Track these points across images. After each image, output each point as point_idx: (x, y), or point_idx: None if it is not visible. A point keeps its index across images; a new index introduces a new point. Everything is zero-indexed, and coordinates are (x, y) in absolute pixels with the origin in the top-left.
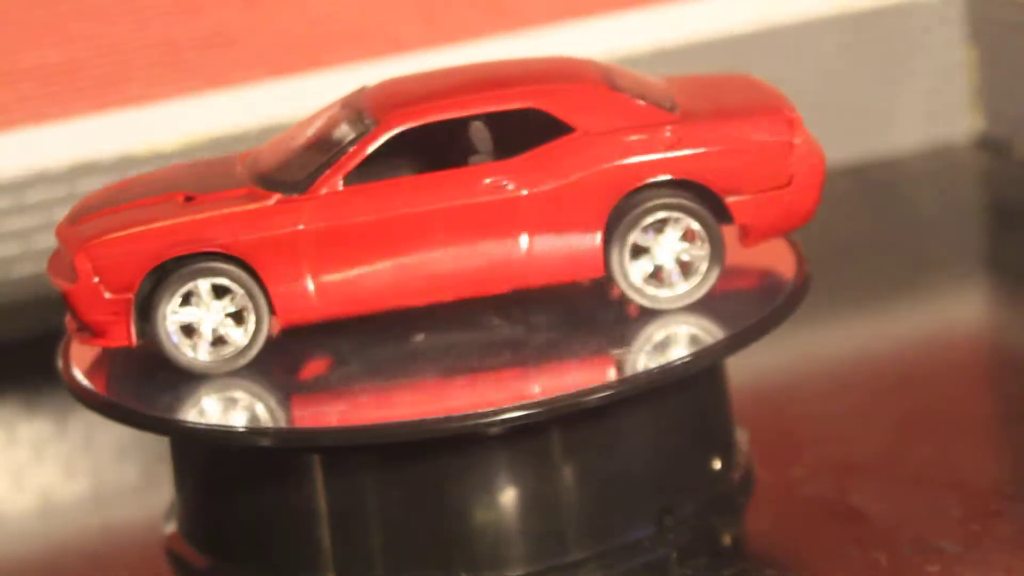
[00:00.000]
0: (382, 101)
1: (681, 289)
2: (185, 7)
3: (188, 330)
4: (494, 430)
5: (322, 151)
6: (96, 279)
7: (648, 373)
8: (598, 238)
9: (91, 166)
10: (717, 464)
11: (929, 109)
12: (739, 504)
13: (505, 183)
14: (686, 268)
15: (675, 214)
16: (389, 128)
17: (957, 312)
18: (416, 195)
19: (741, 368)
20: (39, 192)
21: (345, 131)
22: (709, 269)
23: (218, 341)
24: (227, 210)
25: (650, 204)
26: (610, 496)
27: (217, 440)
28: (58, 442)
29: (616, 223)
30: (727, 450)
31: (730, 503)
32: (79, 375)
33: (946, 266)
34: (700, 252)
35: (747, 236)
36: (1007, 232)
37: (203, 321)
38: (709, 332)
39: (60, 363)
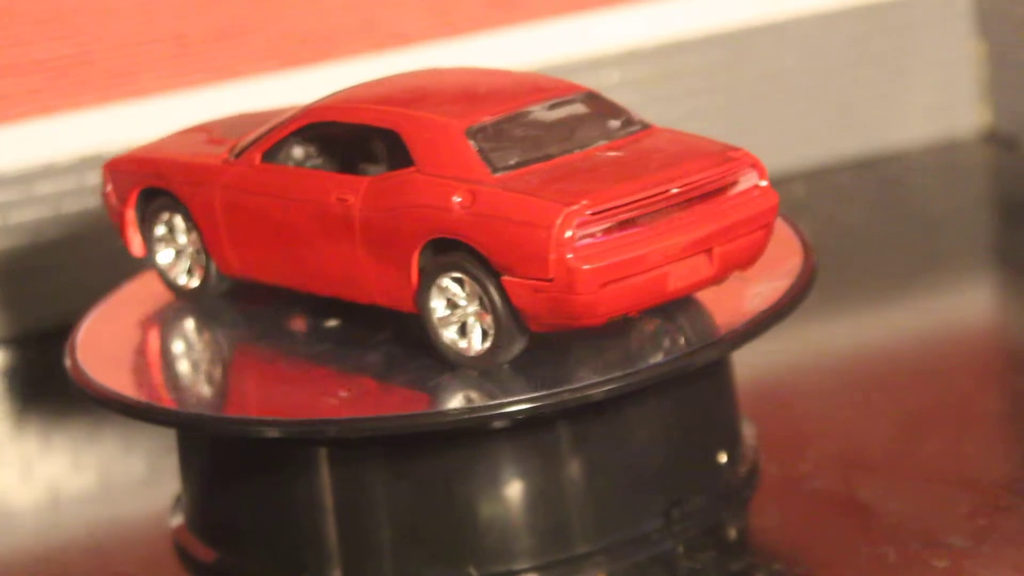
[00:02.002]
0: (336, 95)
1: (475, 350)
2: (195, 1)
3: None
4: (501, 423)
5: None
6: (109, 188)
7: (655, 366)
8: (414, 278)
9: (99, 158)
10: (724, 458)
11: (937, 103)
12: (746, 498)
13: (348, 198)
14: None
15: (462, 275)
16: (301, 120)
17: (964, 307)
18: (291, 186)
19: (748, 362)
20: (48, 184)
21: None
22: (498, 339)
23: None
24: (194, 158)
25: (443, 260)
26: (617, 490)
27: (224, 432)
28: (65, 435)
29: (424, 270)
30: (734, 444)
31: (737, 497)
32: (86, 368)
33: (954, 260)
34: (488, 320)
35: (526, 320)
36: (1015, 227)
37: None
38: (716, 325)
39: (67, 356)
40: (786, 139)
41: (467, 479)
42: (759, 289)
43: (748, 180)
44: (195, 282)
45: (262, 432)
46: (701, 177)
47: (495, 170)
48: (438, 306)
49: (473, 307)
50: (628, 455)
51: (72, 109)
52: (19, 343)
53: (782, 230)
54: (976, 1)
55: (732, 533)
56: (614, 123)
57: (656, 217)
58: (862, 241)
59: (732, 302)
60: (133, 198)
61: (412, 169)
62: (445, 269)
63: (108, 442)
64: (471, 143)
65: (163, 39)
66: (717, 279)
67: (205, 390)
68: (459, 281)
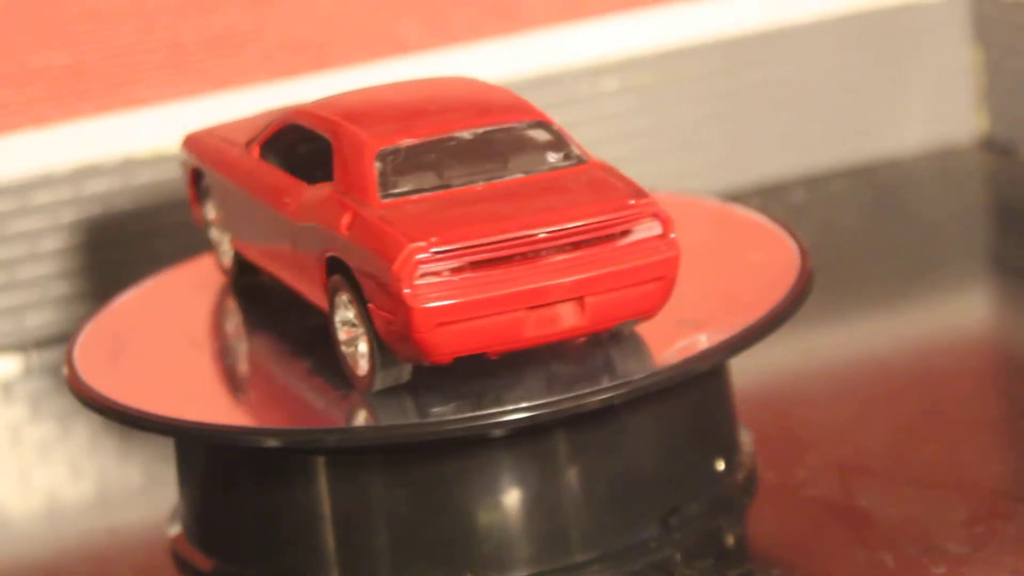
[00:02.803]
0: (329, 97)
1: (360, 372)
2: (191, 10)
3: None
4: (498, 432)
5: None
6: (183, 162)
7: (652, 374)
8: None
9: (95, 168)
10: (721, 465)
11: (934, 110)
12: (744, 505)
13: (289, 203)
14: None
15: (350, 296)
16: (285, 121)
17: (962, 313)
18: (265, 182)
19: (745, 369)
20: (44, 194)
21: None
22: (372, 364)
23: None
24: (223, 143)
25: (331, 279)
26: (615, 497)
27: (221, 441)
28: (63, 444)
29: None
30: (731, 451)
31: (735, 504)
32: (84, 378)
33: (951, 267)
34: (363, 344)
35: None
36: (1011, 233)
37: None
38: (713, 332)
39: (65, 366)
40: (784, 145)
41: (465, 487)
42: (755, 294)
43: (646, 230)
44: (228, 263)
45: (261, 441)
46: (579, 223)
47: (384, 195)
48: (337, 323)
49: (362, 329)
50: (625, 462)
51: (69, 119)
52: (17, 352)
53: (779, 236)
54: (973, 9)
55: (730, 540)
56: (545, 156)
57: (517, 260)
58: (860, 247)
59: (729, 309)
60: (190, 176)
61: (331, 183)
62: (336, 289)
63: (106, 451)
64: (376, 165)
65: (160, 49)
66: (591, 330)
67: (203, 399)
68: (352, 302)
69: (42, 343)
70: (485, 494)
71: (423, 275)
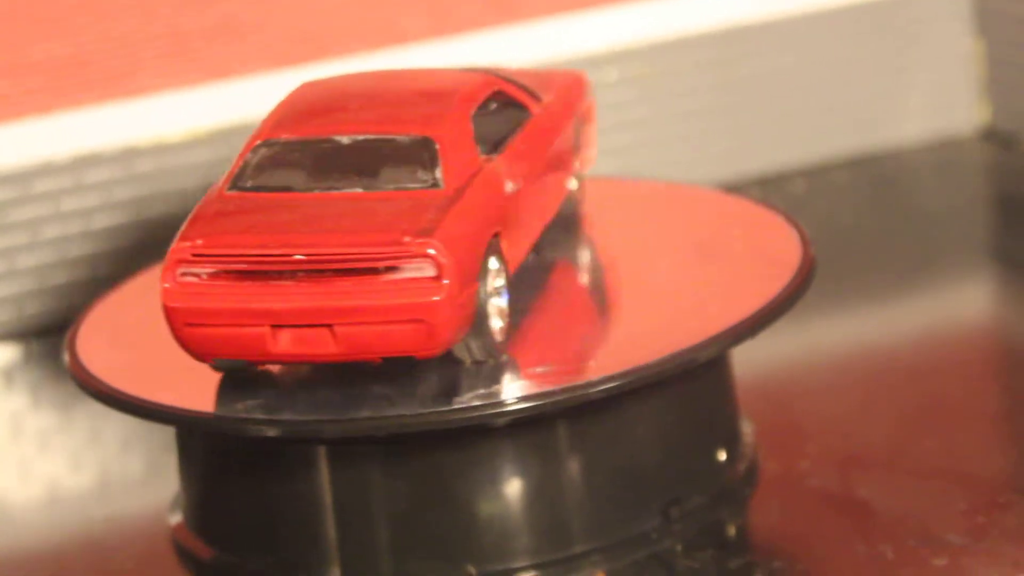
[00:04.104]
0: None
1: None
2: None
3: None
4: (500, 422)
5: None
6: None
7: (653, 364)
8: None
9: (96, 157)
10: (723, 456)
11: (935, 101)
12: (745, 496)
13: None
14: None
15: None
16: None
17: (963, 305)
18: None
19: (746, 360)
20: (45, 183)
21: None
22: None
23: None
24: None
25: None
26: (616, 488)
27: (223, 430)
28: (64, 433)
29: None
30: (733, 442)
31: (736, 495)
32: (85, 365)
33: (952, 258)
34: None
35: None
36: (1013, 225)
37: None
38: (715, 322)
39: (66, 354)
40: (784, 137)
41: (466, 478)
42: (757, 282)
43: (415, 270)
44: None
45: (261, 431)
46: (335, 251)
47: (230, 187)
48: None
49: None
50: (626, 453)
51: (69, 108)
52: (18, 341)
53: (781, 226)
54: None
55: (731, 531)
56: (400, 175)
57: (271, 277)
58: (860, 238)
59: (730, 299)
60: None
61: None
62: None
63: (107, 440)
64: (247, 156)
65: (161, 38)
66: (348, 358)
67: (205, 388)
68: None
69: (43, 331)
70: (486, 485)
71: (184, 275)
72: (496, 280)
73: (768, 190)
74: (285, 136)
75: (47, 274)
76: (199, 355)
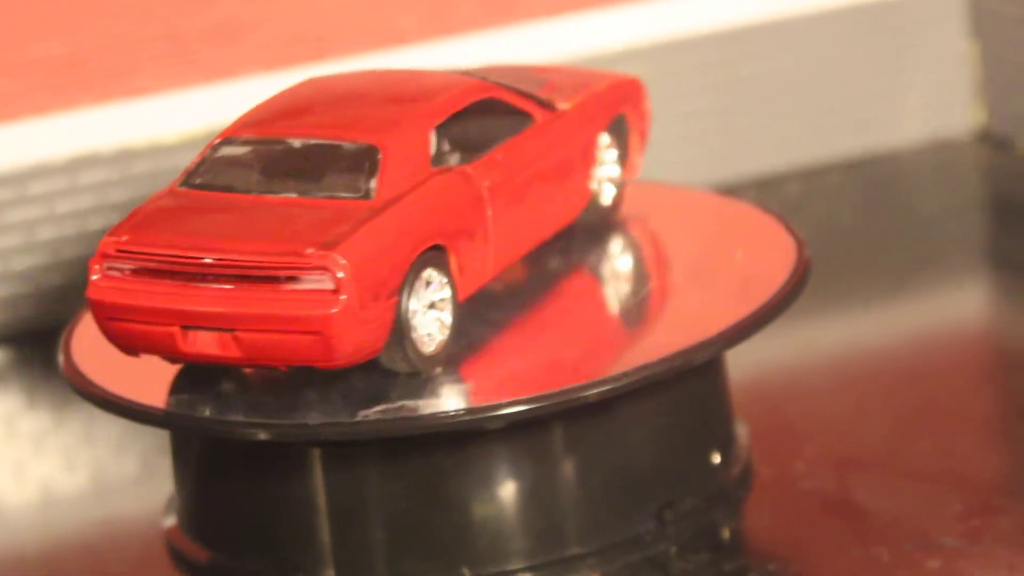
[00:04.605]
0: None
1: None
2: (189, 0)
3: None
4: (495, 425)
5: None
6: None
7: (648, 366)
8: None
9: (92, 158)
10: (717, 458)
11: (930, 103)
12: (739, 499)
13: None
14: None
15: None
16: None
17: (958, 307)
18: None
19: (741, 363)
20: (40, 184)
21: None
22: None
23: None
24: None
25: None
26: (610, 490)
27: (217, 433)
28: (58, 435)
29: None
30: (727, 444)
31: (730, 498)
32: (79, 368)
33: (947, 260)
34: None
35: None
36: (1008, 227)
37: None
38: (710, 324)
39: (61, 356)
40: (780, 138)
41: (460, 480)
42: (752, 285)
43: (315, 282)
44: None
45: (255, 434)
46: (240, 258)
47: (181, 183)
48: None
49: None
50: (621, 456)
51: (66, 109)
52: (12, 343)
53: (776, 228)
54: (970, 1)
55: (725, 534)
56: (336, 183)
57: (183, 279)
58: (855, 240)
59: (725, 301)
60: None
61: None
62: None
63: (101, 442)
64: (206, 153)
65: (157, 38)
66: (251, 363)
67: (199, 391)
68: None
69: (37, 333)
70: (481, 487)
71: (109, 268)
72: (438, 293)
73: (764, 192)
74: (245, 135)
75: (42, 276)
76: (122, 348)
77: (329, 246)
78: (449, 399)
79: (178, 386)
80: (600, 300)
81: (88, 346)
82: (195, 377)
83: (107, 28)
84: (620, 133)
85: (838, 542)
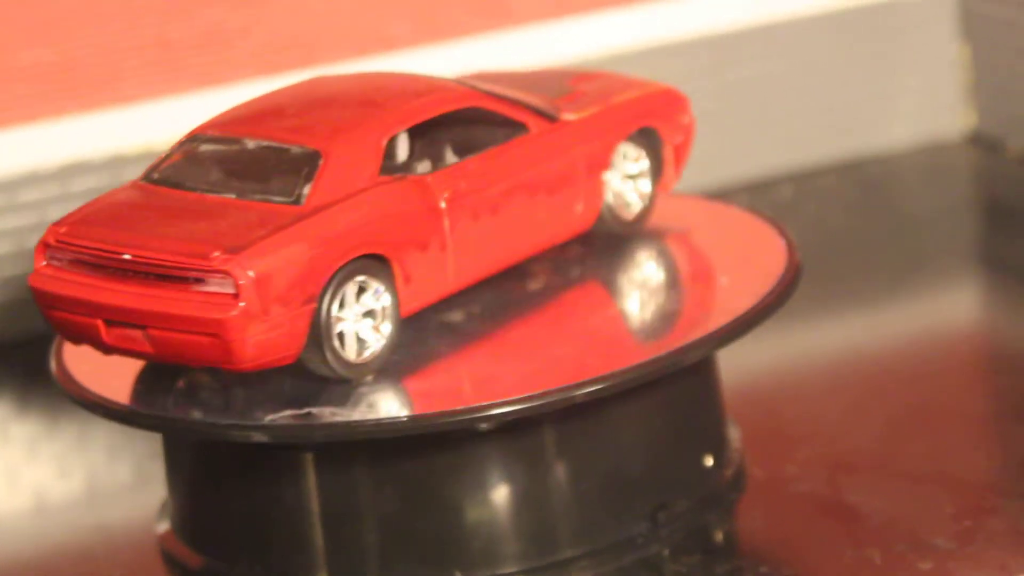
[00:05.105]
0: None
1: None
2: (178, 7)
3: None
4: (485, 426)
5: None
6: None
7: (639, 366)
8: None
9: (83, 165)
10: (710, 461)
11: (921, 106)
12: (732, 501)
13: None
14: None
15: None
16: None
17: (949, 308)
18: None
19: (734, 365)
20: (31, 191)
21: None
22: None
23: None
24: None
25: None
26: (602, 493)
27: (210, 437)
28: (51, 441)
29: None
30: (720, 447)
31: (723, 500)
32: (71, 374)
33: (938, 262)
34: None
35: None
36: (999, 229)
37: None
38: (700, 325)
39: (53, 362)
40: (772, 142)
41: (453, 483)
42: (742, 286)
43: (218, 285)
44: None
45: (249, 437)
46: (154, 257)
47: (143, 178)
48: None
49: None
50: (613, 458)
51: (56, 116)
52: (4, 349)
53: (767, 232)
54: (960, 4)
55: (718, 536)
56: (274, 186)
57: (107, 273)
58: (847, 243)
59: (716, 302)
60: None
61: None
62: None
63: (94, 447)
64: (173, 147)
65: (147, 46)
66: (166, 360)
67: (191, 394)
68: None
69: (29, 339)
70: (473, 490)
71: (51, 258)
72: (376, 302)
73: (755, 195)
74: (211, 132)
75: None
76: (64, 336)
77: (234, 251)
78: (376, 407)
79: (174, 389)
80: (591, 303)
81: (80, 352)
82: (189, 381)
83: (98, 36)
84: (653, 146)
85: (831, 544)
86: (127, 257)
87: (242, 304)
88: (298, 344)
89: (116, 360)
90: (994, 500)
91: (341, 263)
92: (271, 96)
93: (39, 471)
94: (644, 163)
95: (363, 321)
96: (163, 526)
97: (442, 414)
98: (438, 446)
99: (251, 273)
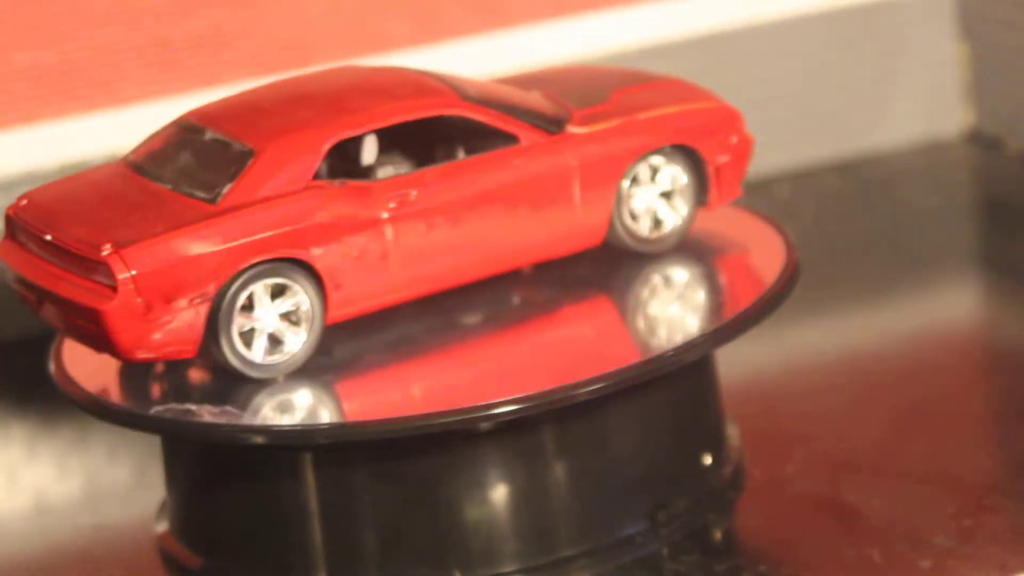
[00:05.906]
0: None
1: None
2: (177, 8)
3: None
4: (484, 425)
5: None
6: None
7: (638, 365)
8: None
9: (82, 166)
10: (709, 460)
11: (921, 105)
12: (731, 500)
13: None
14: None
15: None
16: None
17: (949, 307)
18: None
19: (732, 364)
20: None
21: None
22: None
23: None
24: None
25: None
26: (601, 492)
27: (208, 438)
28: (50, 442)
29: None
30: (719, 446)
31: (722, 499)
32: (71, 375)
33: (938, 262)
34: None
35: None
36: (999, 227)
37: None
38: (699, 323)
39: (52, 364)
40: (770, 141)
41: (452, 483)
42: (741, 285)
43: (104, 277)
44: None
45: (248, 439)
46: (63, 240)
47: (125, 160)
48: None
49: None
50: (612, 458)
51: (54, 117)
52: (3, 349)
53: (766, 231)
54: (959, 3)
55: (717, 535)
56: (204, 181)
57: (41, 251)
58: (847, 242)
59: (715, 301)
60: None
61: None
62: None
63: (93, 448)
64: (157, 131)
65: (145, 47)
66: (80, 342)
67: (190, 396)
68: None
69: (28, 340)
70: (472, 490)
71: (13, 229)
72: (298, 305)
73: (754, 195)
74: (190, 120)
75: None
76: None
77: (122, 245)
78: (267, 411)
79: (171, 391)
80: (590, 303)
81: (79, 353)
82: (187, 383)
83: (97, 37)
84: (694, 163)
85: (830, 542)
86: (48, 238)
87: (119, 298)
88: (194, 340)
89: (114, 361)
90: (994, 498)
91: (244, 264)
92: (272, 87)
93: (38, 471)
94: (682, 181)
95: (278, 324)
96: (162, 527)
97: (442, 414)
98: (437, 446)
99: (132, 269)
